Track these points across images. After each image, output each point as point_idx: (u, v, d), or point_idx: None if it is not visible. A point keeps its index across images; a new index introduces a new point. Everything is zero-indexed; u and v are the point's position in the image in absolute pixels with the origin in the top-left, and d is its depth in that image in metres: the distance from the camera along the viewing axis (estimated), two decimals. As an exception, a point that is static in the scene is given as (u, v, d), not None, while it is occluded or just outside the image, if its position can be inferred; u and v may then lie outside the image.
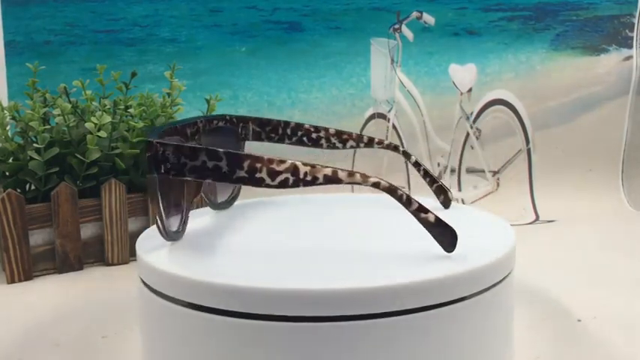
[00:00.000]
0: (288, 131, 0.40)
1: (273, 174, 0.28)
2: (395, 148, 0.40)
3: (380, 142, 0.40)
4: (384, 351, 0.26)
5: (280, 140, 0.40)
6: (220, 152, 0.28)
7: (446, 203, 0.39)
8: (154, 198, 0.29)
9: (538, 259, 0.55)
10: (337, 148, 0.39)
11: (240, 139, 0.40)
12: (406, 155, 0.40)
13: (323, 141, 0.40)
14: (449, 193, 0.39)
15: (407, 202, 0.29)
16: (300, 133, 0.40)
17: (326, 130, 0.40)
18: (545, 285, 0.49)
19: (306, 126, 0.40)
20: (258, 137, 0.41)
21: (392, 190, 0.29)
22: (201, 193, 0.36)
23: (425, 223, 0.29)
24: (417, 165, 0.39)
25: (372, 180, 0.28)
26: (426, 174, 0.39)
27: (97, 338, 0.41)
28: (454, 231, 0.28)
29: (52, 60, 0.72)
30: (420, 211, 0.28)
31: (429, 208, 0.29)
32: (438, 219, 0.28)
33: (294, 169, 0.28)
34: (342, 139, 0.40)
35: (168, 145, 0.28)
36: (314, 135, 0.40)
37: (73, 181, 0.56)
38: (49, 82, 0.62)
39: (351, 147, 0.39)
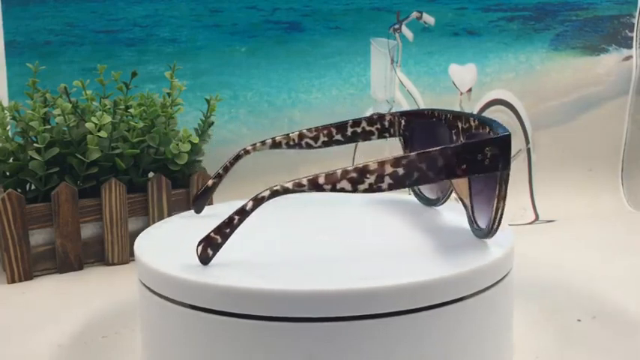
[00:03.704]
0: None
1: None
2: None
3: None
4: (384, 351, 0.26)
5: None
6: None
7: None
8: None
9: (538, 258, 0.55)
10: None
11: None
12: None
13: None
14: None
15: None
16: None
17: None
18: (544, 285, 0.49)
19: None
20: None
21: None
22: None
23: None
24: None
25: None
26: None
27: (97, 338, 0.41)
28: None
29: (52, 60, 0.72)
30: None
31: None
32: None
33: None
34: None
35: None
36: None
37: (73, 181, 0.56)
38: (50, 82, 0.62)
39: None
